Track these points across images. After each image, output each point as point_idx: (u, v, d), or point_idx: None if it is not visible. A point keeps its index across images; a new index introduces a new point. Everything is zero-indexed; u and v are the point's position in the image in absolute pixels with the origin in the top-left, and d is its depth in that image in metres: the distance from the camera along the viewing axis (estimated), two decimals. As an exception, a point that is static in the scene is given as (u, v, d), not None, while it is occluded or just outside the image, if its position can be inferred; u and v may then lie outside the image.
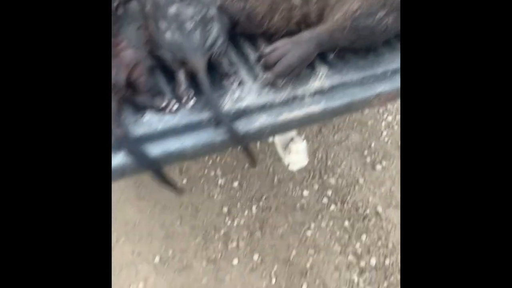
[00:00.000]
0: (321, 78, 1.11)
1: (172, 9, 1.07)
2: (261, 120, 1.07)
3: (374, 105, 1.14)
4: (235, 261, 1.85)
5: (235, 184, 2.07)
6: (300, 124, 1.10)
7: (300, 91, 1.10)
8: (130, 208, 1.99)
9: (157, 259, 1.85)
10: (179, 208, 2.00)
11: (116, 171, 0.97)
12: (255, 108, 1.08)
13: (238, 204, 2.01)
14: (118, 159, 0.98)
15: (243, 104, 1.08)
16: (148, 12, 1.10)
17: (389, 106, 2.28)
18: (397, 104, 2.29)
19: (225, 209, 1.99)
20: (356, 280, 1.80)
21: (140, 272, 1.82)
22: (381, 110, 2.28)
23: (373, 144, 2.16)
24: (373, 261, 1.83)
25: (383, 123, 2.23)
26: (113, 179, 0.97)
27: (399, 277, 1.78)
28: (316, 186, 2.05)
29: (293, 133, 1.67)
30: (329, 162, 2.11)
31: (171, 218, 1.97)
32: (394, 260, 1.83)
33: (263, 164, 2.12)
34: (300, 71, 1.11)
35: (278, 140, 1.63)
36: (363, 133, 2.20)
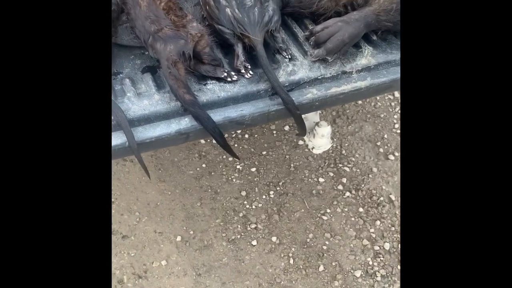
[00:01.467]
0: (367, 56, 1.19)
1: (232, -12, 1.14)
2: (312, 93, 1.14)
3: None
4: (254, 242, 1.90)
5: (253, 169, 2.13)
6: (346, 99, 1.18)
7: (348, 67, 1.17)
8: (152, 190, 2.03)
9: (178, 238, 1.90)
10: (199, 191, 2.04)
11: (182, 134, 1.03)
12: (307, 81, 1.15)
13: (256, 189, 2.07)
14: (184, 123, 1.03)
15: (296, 77, 1.15)
16: (207, -11, 1.16)
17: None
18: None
19: (243, 193, 2.05)
20: (370, 263, 1.87)
21: (162, 250, 1.86)
22: (393, 103, 2.38)
23: (385, 136, 2.25)
24: (387, 246, 1.91)
25: (395, 116, 2.32)
26: (178, 141, 1.02)
27: (411, 260, 1.87)
28: (331, 174, 2.12)
29: (317, 118, 1.74)
30: (343, 152, 2.19)
31: (191, 200, 2.02)
32: (406, 244, 1.91)
33: (279, 151, 2.19)
34: (348, 48, 1.19)
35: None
36: (376, 125, 2.29)
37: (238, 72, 1.13)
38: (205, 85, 1.10)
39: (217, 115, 1.06)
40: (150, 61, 1.15)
